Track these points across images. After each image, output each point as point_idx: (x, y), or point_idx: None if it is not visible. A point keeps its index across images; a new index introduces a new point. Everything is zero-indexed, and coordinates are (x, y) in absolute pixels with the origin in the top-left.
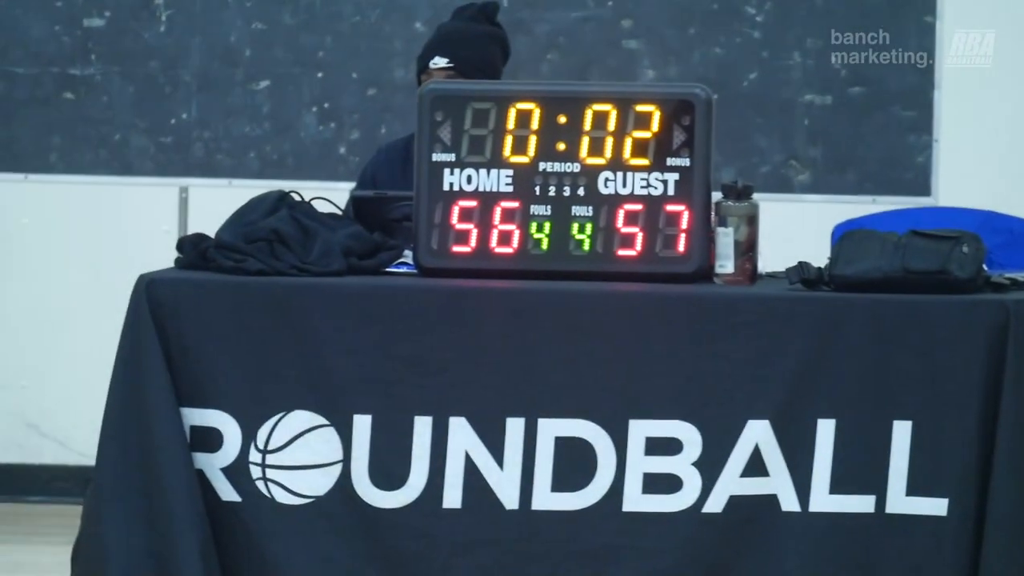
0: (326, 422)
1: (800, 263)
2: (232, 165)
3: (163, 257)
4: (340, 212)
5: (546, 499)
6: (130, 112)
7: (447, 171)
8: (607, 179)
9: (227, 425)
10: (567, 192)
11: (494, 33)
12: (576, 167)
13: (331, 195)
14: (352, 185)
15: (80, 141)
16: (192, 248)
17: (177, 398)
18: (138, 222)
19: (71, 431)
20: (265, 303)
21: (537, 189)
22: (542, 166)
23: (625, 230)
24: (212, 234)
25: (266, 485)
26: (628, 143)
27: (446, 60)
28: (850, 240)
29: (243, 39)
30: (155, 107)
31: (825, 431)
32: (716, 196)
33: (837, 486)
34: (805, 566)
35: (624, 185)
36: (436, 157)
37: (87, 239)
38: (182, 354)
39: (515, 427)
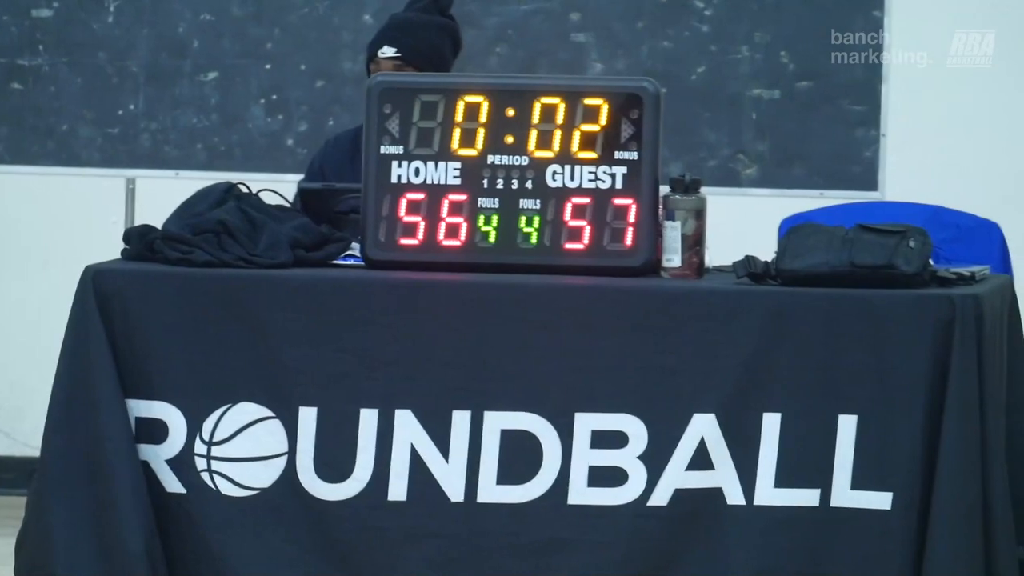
0: (271, 414)
1: (747, 257)
2: (179, 156)
3: (110, 248)
4: (287, 204)
5: (492, 492)
6: (77, 103)
7: (395, 163)
8: (555, 172)
9: (172, 417)
10: (515, 185)
11: (445, 24)
12: (524, 160)
13: (279, 187)
14: (300, 177)
15: (27, 132)
16: (139, 239)
17: (122, 389)
18: (85, 213)
19: (16, 422)
20: (211, 295)
21: (485, 182)
22: (490, 159)
23: (573, 223)
24: (159, 225)
25: (211, 477)
26: (576, 136)
27: (394, 50)
28: (797, 234)
29: (191, 30)
30: (102, 98)
31: (771, 425)
32: (664, 190)
33: (782, 480)
34: (750, 560)
35: (572, 178)
36: (384, 149)
37: (33, 230)
38: (128, 346)
39: (461, 420)
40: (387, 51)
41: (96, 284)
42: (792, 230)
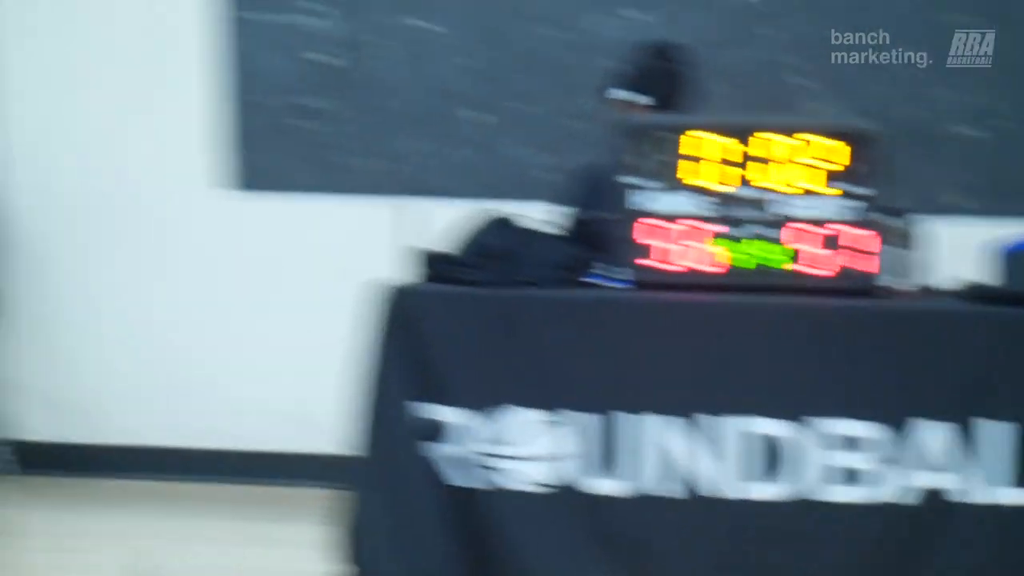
0: (553, 418)
1: (973, 281)
2: (443, 186)
3: (380, 267)
4: (555, 231)
5: (751, 490)
6: (351, 138)
7: (638, 194)
8: (793, 203)
9: (461, 419)
10: (760, 216)
11: (679, 72)
12: (767, 194)
13: (541, 214)
14: (548, 205)
15: (301, 162)
16: (434, 262)
17: (416, 394)
18: (353, 236)
19: (315, 420)
20: (496, 313)
21: (734, 213)
22: (739, 192)
23: (811, 251)
24: (445, 249)
25: (496, 474)
26: (809, 172)
27: (647, 98)
28: (1020, 260)
29: (457, 75)
30: (376, 133)
31: (1003, 433)
32: (889, 218)
33: (1021, 481)
34: (995, 560)
35: (809, 209)
36: (632, 182)
37: (313, 249)
38: (420, 355)
39: (719, 424)
40: (640, 99)
41: (399, 301)
42: (1016, 255)
